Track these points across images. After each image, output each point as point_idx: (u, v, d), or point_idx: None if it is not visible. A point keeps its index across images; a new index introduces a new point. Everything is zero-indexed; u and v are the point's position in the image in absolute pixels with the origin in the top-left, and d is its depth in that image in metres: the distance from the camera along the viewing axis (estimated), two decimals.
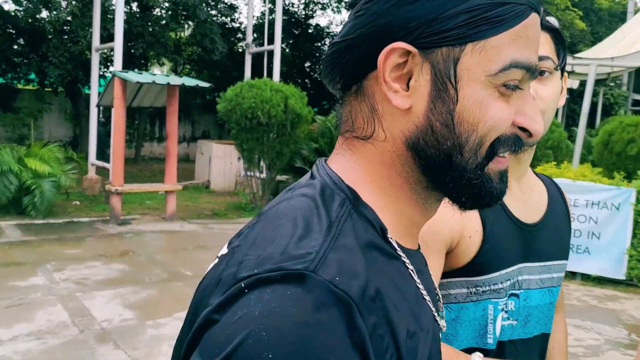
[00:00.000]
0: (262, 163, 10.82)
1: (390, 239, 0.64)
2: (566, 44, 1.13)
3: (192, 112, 21.34)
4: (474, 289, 1.08)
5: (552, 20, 1.11)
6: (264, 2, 18.93)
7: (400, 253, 0.66)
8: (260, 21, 21.75)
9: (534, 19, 0.60)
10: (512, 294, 1.11)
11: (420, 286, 0.69)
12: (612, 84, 25.01)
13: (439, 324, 0.73)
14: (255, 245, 0.58)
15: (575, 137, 11.88)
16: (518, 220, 1.14)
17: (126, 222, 9.32)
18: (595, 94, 23.92)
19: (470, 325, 1.09)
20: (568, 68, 19.77)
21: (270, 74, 13.02)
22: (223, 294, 0.54)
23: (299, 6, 24.63)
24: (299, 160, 11.26)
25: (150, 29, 15.47)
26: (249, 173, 10.92)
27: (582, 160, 12.77)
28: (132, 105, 10.57)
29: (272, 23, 14.95)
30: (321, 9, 24.91)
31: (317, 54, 25.01)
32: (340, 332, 0.51)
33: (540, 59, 1.04)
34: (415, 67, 0.60)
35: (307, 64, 25.39)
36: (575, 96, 23.72)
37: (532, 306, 1.15)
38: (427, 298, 0.69)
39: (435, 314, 0.72)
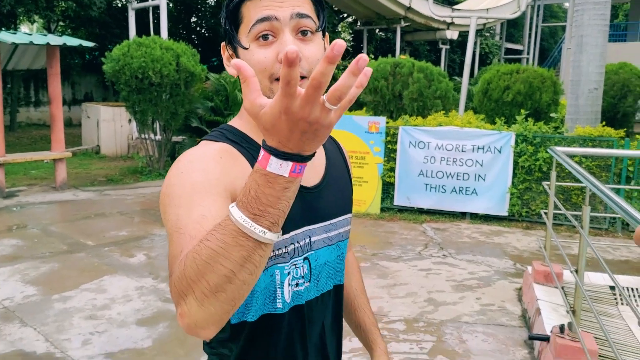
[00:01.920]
0: (156, 125, 10.47)
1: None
2: (324, 5, 1.12)
3: (71, 73, 19.92)
4: None
5: None
6: None
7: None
8: None
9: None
10: (305, 258, 1.14)
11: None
12: (487, 34, 26.54)
13: None
14: None
15: (458, 87, 12.61)
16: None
17: (12, 194, 8.71)
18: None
19: (262, 293, 1.09)
20: (448, 20, 20.74)
21: (157, 31, 12.44)
22: None
23: None
24: (195, 120, 11.02)
25: None
26: (142, 135, 10.53)
27: (465, 108, 13.62)
28: (7, 69, 9.71)
29: None
30: None
31: (203, 8, 24.15)
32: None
33: (301, 16, 1.03)
34: None
35: (193, 19, 24.47)
36: (454, 47, 24.96)
37: (322, 264, 1.18)
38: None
39: None
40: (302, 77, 1.02)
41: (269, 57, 1.02)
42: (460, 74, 20.36)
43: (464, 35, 21.57)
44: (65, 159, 9.24)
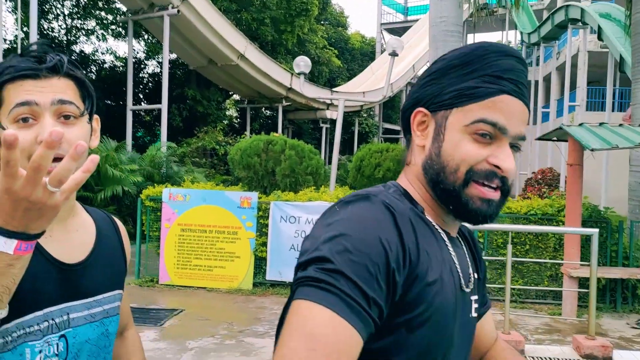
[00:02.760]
0: None
1: (427, 217, 1.00)
2: (91, 91, 1.18)
3: None
4: (9, 337, 1.03)
5: (77, 72, 1.15)
6: (17, 24, 17.35)
7: (437, 226, 1.01)
8: (14, 45, 19.82)
9: (505, 98, 0.95)
10: (61, 335, 1.13)
11: (453, 256, 1.01)
12: (366, 115, 28.22)
13: (465, 293, 1.02)
14: (343, 197, 0.97)
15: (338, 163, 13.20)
16: (57, 261, 1.14)
17: None
18: (352, 123, 26.75)
19: None
20: (328, 101, 21.87)
21: None
22: (322, 214, 0.95)
23: (59, 31, 23.04)
24: None
25: None
26: None
27: (343, 183, 14.20)
28: None
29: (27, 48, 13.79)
30: (85, 35, 23.65)
31: None
32: (389, 221, 0.89)
33: (62, 102, 1.09)
34: (429, 121, 1.00)
35: None
36: (335, 126, 26.32)
37: (82, 342, 1.18)
38: (458, 268, 1.01)
39: (463, 285, 1.01)
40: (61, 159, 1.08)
41: (28, 138, 1.05)
42: (342, 152, 21.34)
43: (345, 115, 22.83)
44: None
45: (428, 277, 0.91)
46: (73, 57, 1.25)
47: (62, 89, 1.10)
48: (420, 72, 30.82)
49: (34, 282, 1.07)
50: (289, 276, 8.04)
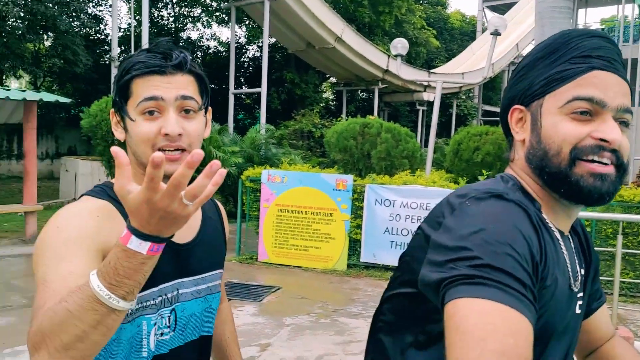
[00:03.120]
0: None
1: (543, 214, 1.00)
2: (208, 87, 1.25)
3: (55, 127, 20.16)
4: (129, 310, 1.05)
5: (197, 68, 1.22)
6: (131, 13, 18.48)
7: (552, 226, 1.01)
8: (128, 33, 21.15)
9: (597, 73, 0.96)
10: (171, 309, 1.22)
11: (566, 255, 1.01)
12: (464, 97, 27.33)
13: (573, 292, 1.03)
14: (464, 190, 0.98)
15: (435, 147, 12.95)
16: (171, 241, 1.15)
17: None
18: (450, 106, 26.07)
19: (128, 343, 1.14)
20: (425, 83, 21.41)
21: None
22: (452, 210, 0.93)
23: (168, 19, 24.25)
24: None
25: (5, 40, 14.48)
26: None
27: (440, 167, 13.93)
28: None
29: (139, 35, 14.69)
30: (192, 22, 24.72)
31: None
32: (525, 219, 0.90)
33: (185, 98, 1.16)
34: (525, 116, 1.03)
35: None
36: (432, 108, 25.74)
37: (188, 315, 1.27)
38: (569, 268, 1.02)
39: (572, 284, 1.02)
40: (183, 150, 1.15)
41: (153, 130, 1.14)
42: (439, 135, 20.91)
43: (442, 97, 22.30)
44: (36, 212, 9.28)
45: (548, 279, 0.91)
46: (181, 44, 1.32)
47: (184, 84, 1.17)
48: (524, 52, 29.41)
49: None
50: (382, 259, 8.07)
